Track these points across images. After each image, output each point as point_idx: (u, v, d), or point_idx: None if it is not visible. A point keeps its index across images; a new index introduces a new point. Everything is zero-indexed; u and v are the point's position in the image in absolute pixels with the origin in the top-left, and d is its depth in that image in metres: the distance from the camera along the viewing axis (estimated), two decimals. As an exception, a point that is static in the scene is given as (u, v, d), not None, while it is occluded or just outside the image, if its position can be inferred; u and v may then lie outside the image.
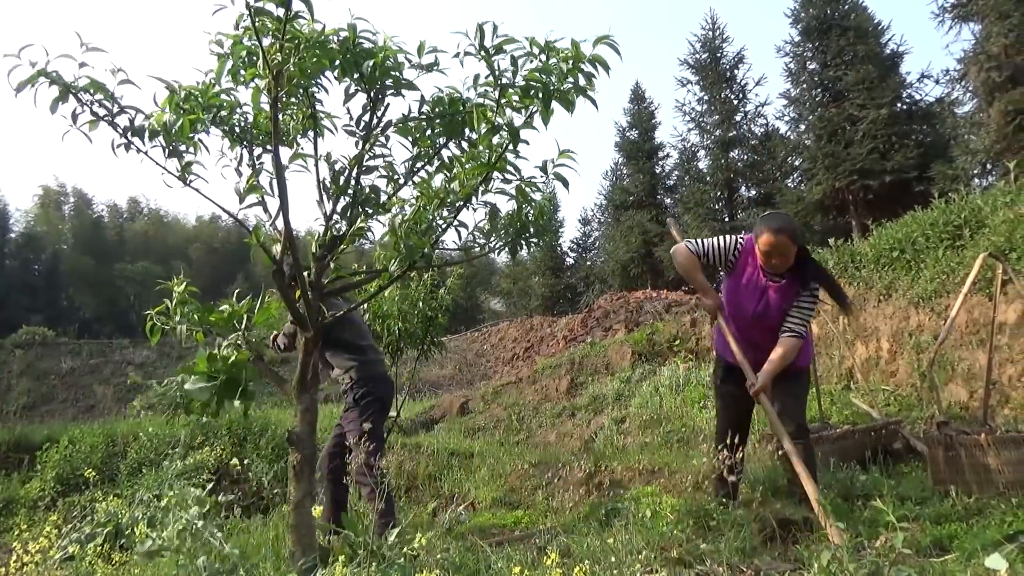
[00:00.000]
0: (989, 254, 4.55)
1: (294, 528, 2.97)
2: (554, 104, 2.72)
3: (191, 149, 3.01)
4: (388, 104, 3.06)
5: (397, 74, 2.91)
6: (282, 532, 3.79)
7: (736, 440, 3.57)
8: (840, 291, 3.84)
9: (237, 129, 3.08)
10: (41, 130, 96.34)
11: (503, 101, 2.81)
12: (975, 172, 17.99)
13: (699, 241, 3.90)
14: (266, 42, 2.71)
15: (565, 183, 2.87)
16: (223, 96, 3.01)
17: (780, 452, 3.55)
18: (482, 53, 2.70)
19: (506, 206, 3.12)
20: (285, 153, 3.05)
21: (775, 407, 3.63)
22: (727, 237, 3.87)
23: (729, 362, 3.96)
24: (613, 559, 2.83)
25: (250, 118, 3.12)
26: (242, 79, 2.98)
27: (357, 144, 3.09)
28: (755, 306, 3.73)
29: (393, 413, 6.44)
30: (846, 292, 3.85)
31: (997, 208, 6.52)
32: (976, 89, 17.88)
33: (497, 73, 2.74)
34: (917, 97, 22.72)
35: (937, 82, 21.84)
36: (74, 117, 2.70)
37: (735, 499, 3.78)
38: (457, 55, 2.72)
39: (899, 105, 22.11)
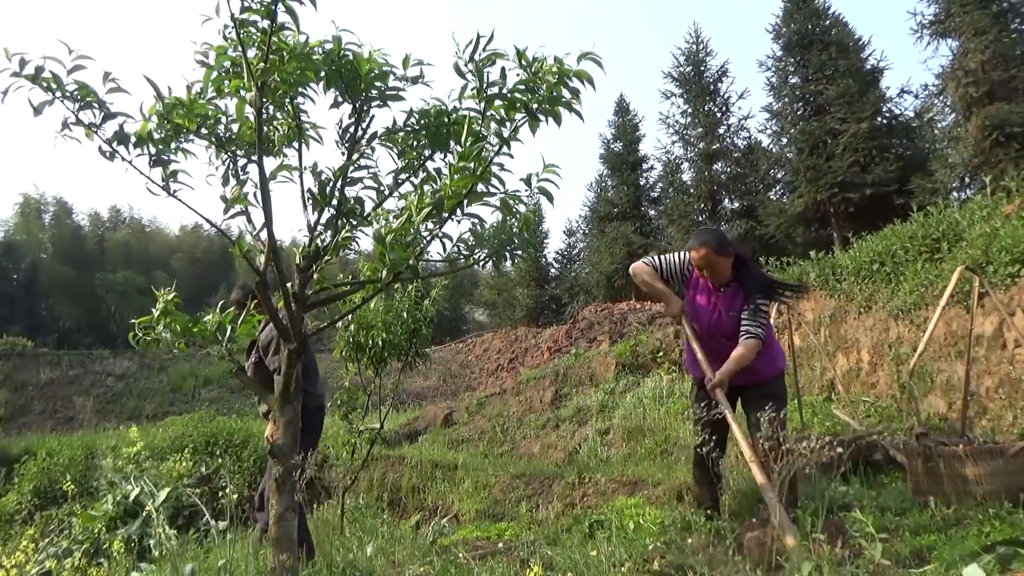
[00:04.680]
0: (966, 267, 4.61)
1: (276, 541, 2.94)
2: (540, 117, 2.74)
3: (176, 158, 2.99)
4: (373, 116, 3.07)
5: (382, 85, 2.92)
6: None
7: (715, 454, 3.62)
8: (785, 289, 4.02)
9: (222, 139, 3.07)
10: (22, 138, 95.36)
11: (489, 113, 2.82)
12: (953, 186, 18.25)
13: (654, 256, 4.13)
14: (251, 53, 2.72)
15: (550, 197, 2.88)
16: (209, 106, 3.00)
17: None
18: (469, 66, 2.71)
19: (491, 218, 3.13)
20: (270, 164, 3.05)
21: (753, 420, 3.69)
22: (680, 253, 4.06)
23: (700, 379, 4.04)
24: (596, 571, 2.84)
25: (235, 128, 3.11)
26: (226, 89, 2.97)
27: (343, 155, 3.09)
28: (710, 316, 3.90)
29: (376, 425, 6.42)
30: (791, 284, 4.00)
31: (974, 222, 6.61)
32: (954, 104, 18.17)
33: (484, 85, 2.75)
34: (897, 111, 23.02)
35: (916, 97, 22.16)
36: (64, 124, 2.68)
37: (717, 510, 3.80)
38: (455, 62, 2.73)
39: (879, 119, 22.36)
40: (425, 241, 3.08)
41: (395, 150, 3.14)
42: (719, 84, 28.86)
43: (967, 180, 17.80)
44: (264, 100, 2.76)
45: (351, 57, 2.86)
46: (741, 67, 73.60)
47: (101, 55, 2.42)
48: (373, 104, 3.00)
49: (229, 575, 3.44)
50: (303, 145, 3.13)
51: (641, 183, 32.16)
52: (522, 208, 3.08)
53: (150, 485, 6.63)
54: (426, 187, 3.13)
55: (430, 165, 3.11)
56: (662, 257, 4.09)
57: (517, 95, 2.71)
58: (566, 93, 2.74)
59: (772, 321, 6.38)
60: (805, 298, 4.26)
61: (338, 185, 3.08)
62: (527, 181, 2.94)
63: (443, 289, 6.51)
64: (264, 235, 2.97)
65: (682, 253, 4.04)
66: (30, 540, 4.08)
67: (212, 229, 3.49)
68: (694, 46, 29.19)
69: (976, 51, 17.07)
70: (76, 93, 2.65)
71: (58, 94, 2.62)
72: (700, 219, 27.62)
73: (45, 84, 2.59)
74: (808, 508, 3.76)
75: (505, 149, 2.83)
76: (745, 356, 3.69)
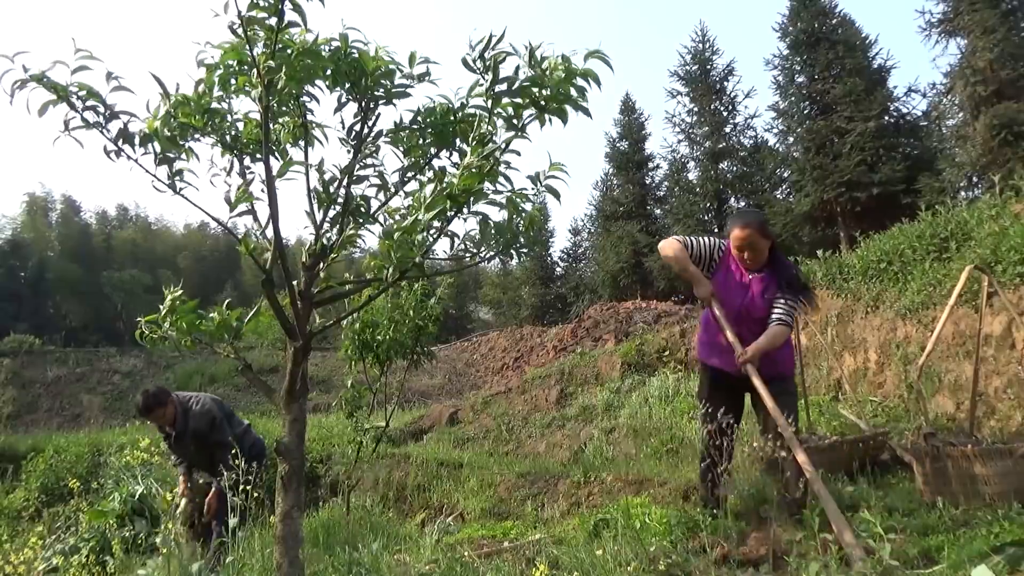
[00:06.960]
0: (975, 267, 4.58)
1: (281, 540, 2.94)
2: (547, 112, 2.73)
3: (182, 156, 2.99)
4: (379, 114, 3.06)
5: (388, 83, 2.91)
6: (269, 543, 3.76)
7: (722, 453, 3.63)
8: (805, 297, 4.01)
9: (228, 137, 3.07)
10: (29, 136, 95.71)
11: (496, 111, 2.81)
12: (961, 185, 18.20)
13: (685, 236, 4.11)
14: (257, 51, 2.71)
15: (556, 195, 2.87)
16: (214, 104, 2.99)
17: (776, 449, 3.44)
18: (479, 64, 2.70)
19: (497, 216, 3.12)
20: (275, 163, 3.04)
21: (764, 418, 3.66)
22: (711, 238, 4.11)
23: (715, 371, 4.04)
24: (602, 571, 2.83)
25: (240, 127, 3.10)
26: (232, 87, 2.97)
27: (348, 153, 3.09)
28: (741, 300, 3.92)
29: (382, 423, 6.43)
30: (808, 293, 4.06)
31: (983, 221, 6.58)
32: (962, 103, 18.12)
33: (493, 81, 2.74)
34: (904, 110, 23.00)
35: (924, 96, 22.13)
36: (66, 124, 2.68)
37: (722, 509, 3.80)
38: (464, 57, 2.72)
39: (886, 118, 22.32)
40: (432, 239, 3.07)
41: (401, 148, 3.13)
42: (725, 83, 28.87)
43: (975, 179, 17.75)
44: (271, 98, 2.76)
45: (357, 55, 2.86)
46: (747, 66, 73.55)
47: (105, 53, 2.41)
48: (379, 102, 3.00)
49: (237, 572, 3.45)
50: (309, 144, 3.13)
51: (647, 182, 32.17)
52: (528, 207, 3.07)
53: (156, 485, 6.65)
54: (433, 185, 3.12)
55: (436, 163, 3.10)
56: (692, 238, 4.07)
57: (526, 88, 2.70)
58: (572, 91, 2.73)
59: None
60: (809, 311, 4.27)
61: (344, 183, 3.07)
62: (534, 180, 2.94)
63: (448, 287, 6.51)
64: (270, 233, 2.96)
65: (712, 238, 4.09)
66: (38, 537, 4.10)
67: (218, 227, 3.49)
68: (700, 45, 29.18)
69: (984, 50, 17.01)
70: (80, 93, 2.65)
71: (61, 93, 2.62)
72: (705, 218, 27.58)
73: (49, 85, 2.59)
74: (815, 508, 3.75)
75: (512, 146, 2.82)
76: (774, 339, 3.75)
